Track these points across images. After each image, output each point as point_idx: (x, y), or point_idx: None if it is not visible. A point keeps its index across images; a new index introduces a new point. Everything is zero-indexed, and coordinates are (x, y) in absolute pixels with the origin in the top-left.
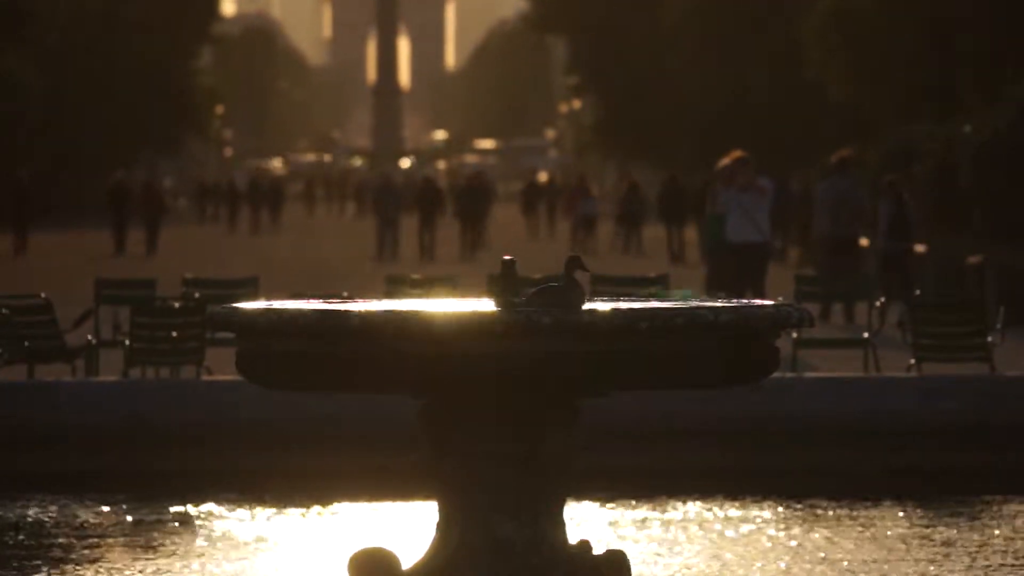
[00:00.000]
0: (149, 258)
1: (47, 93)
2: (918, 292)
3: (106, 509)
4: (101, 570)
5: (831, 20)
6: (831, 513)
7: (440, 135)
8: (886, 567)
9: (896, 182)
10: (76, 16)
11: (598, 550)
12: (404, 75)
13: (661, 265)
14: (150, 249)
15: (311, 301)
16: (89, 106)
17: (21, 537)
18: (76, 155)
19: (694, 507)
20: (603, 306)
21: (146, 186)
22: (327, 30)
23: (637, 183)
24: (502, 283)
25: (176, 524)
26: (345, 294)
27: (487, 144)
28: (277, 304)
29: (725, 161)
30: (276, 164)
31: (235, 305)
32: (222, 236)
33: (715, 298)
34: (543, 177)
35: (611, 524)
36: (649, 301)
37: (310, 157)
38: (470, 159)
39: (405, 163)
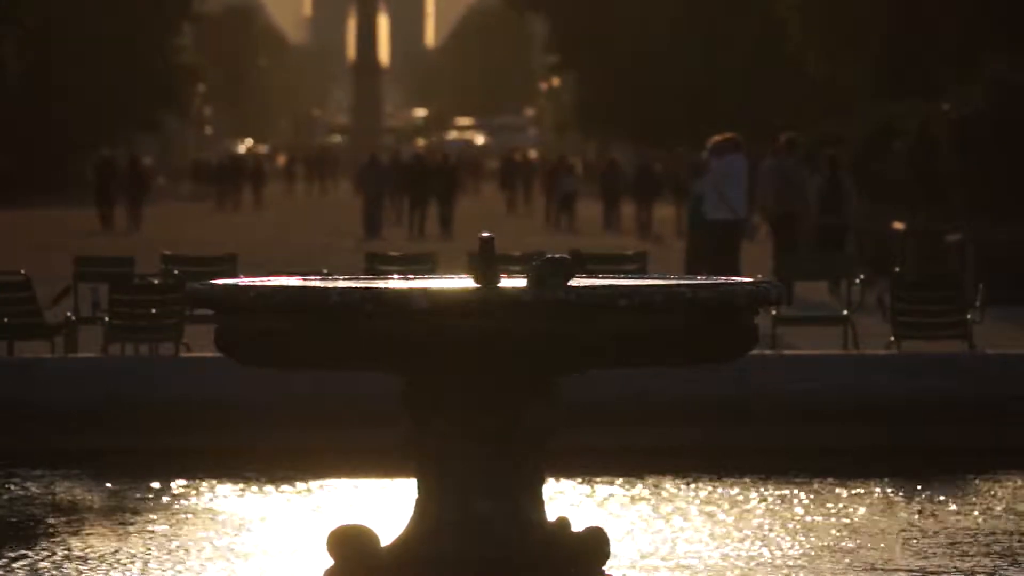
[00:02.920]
0: (133, 235)
1: (26, 71)
2: (897, 269)
3: (85, 486)
4: (80, 547)
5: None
6: (810, 489)
7: (420, 113)
8: (865, 541)
9: (834, 157)
10: None
11: (577, 527)
12: (384, 53)
13: (639, 243)
14: (134, 226)
15: (290, 278)
16: (68, 84)
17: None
18: (56, 132)
19: (673, 485)
20: (582, 283)
21: (131, 163)
22: (307, 9)
23: (616, 161)
24: (481, 261)
25: (155, 501)
26: (325, 271)
27: (466, 122)
28: (256, 281)
29: (715, 139)
30: (251, 145)
31: (214, 282)
32: (206, 214)
33: (695, 275)
34: (526, 154)
35: (590, 502)
36: (628, 278)
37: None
38: (451, 136)
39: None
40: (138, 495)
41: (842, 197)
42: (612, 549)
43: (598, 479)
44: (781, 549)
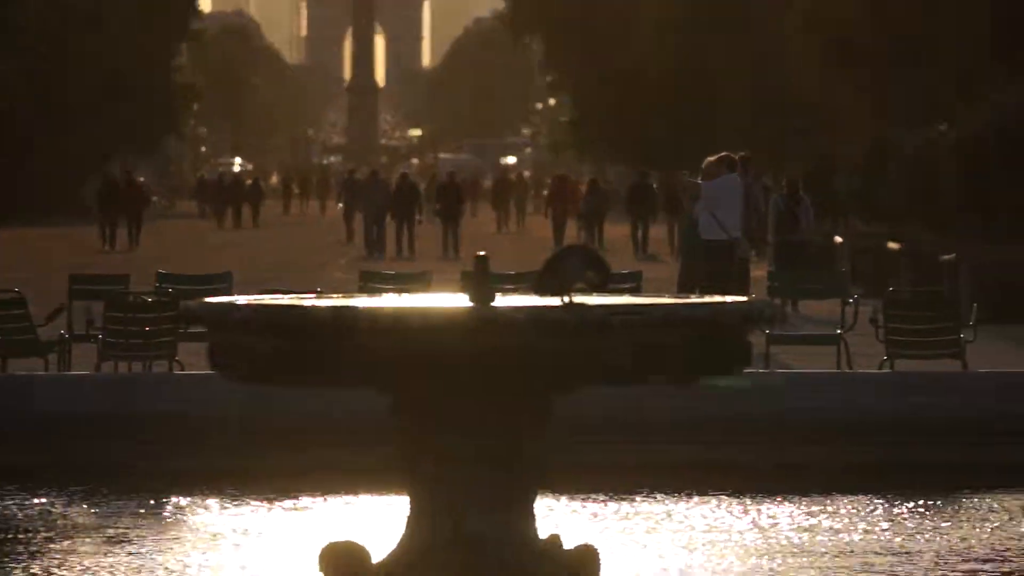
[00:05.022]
0: (133, 252)
1: (25, 91)
2: (891, 288)
3: (76, 503)
4: (71, 563)
5: (809, 20)
6: (801, 508)
7: (415, 133)
8: (858, 560)
9: (793, 179)
10: (55, 14)
11: (569, 545)
12: (380, 73)
13: (630, 262)
14: (134, 244)
15: (284, 296)
16: (67, 103)
17: None
18: (55, 152)
19: (665, 502)
20: (577, 300)
21: (129, 182)
22: (303, 28)
23: (597, 180)
24: (475, 279)
25: (146, 519)
26: (319, 290)
27: (463, 142)
28: (249, 299)
29: (709, 160)
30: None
31: (207, 300)
32: (206, 232)
33: (688, 295)
34: (521, 174)
35: (582, 519)
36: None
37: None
38: (444, 157)
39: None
40: (129, 513)
41: (798, 219)
42: (604, 566)
43: (590, 497)
44: (771, 567)
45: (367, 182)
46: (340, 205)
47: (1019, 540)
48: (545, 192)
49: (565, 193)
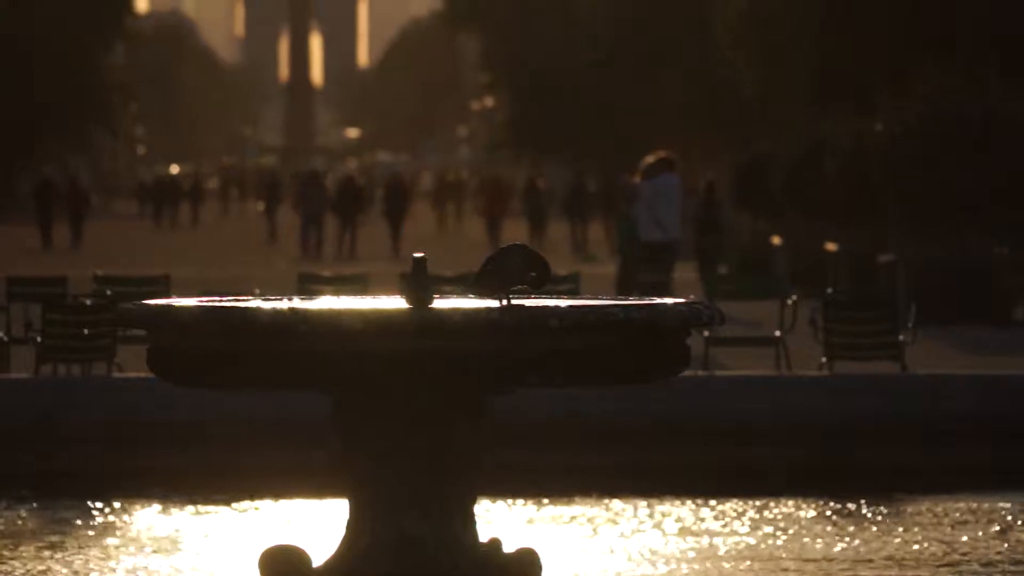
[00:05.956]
0: (74, 253)
1: None
2: (829, 289)
3: (15, 507)
4: (7, 570)
5: (744, 17)
6: (741, 511)
7: (352, 133)
8: (798, 565)
9: (712, 184)
10: None
11: (509, 548)
12: (317, 73)
13: (570, 263)
14: (75, 245)
15: (222, 299)
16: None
17: None
18: None
19: (605, 505)
20: (514, 303)
21: (72, 184)
22: (239, 28)
23: (535, 180)
24: (413, 281)
25: (86, 522)
26: (257, 291)
27: (413, 144)
28: (188, 301)
29: (647, 160)
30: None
31: (146, 302)
32: (146, 233)
33: (626, 296)
34: (459, 174)
35: (522, 522)
36: (560, 298)
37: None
38: (382, 157)
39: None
40: (69, 516)
41: (718, 220)
42: (544, 570)
43: (530, 499)
44: (714, 568)
45: (307, 182)
46: (260, 204)
47: (927, 546)
48: (477, 193)
49: (497, 194)
